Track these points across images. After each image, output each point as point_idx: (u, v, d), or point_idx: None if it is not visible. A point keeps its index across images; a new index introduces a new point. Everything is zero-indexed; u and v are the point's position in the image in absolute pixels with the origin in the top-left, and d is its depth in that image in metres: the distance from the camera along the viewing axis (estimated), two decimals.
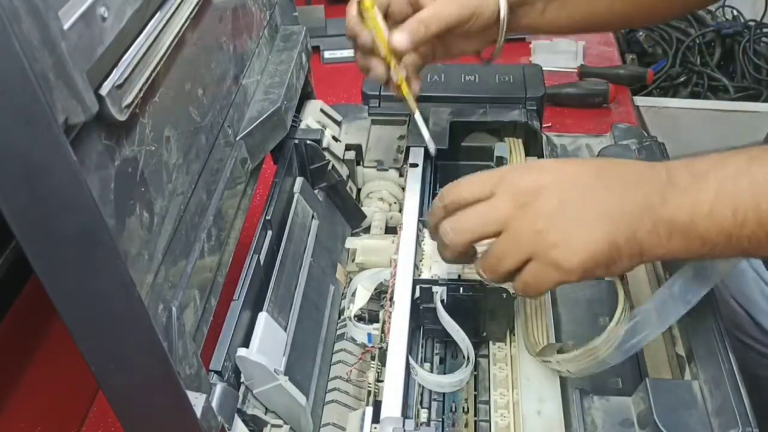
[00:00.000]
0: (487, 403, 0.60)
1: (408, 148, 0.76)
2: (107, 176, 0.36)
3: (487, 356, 0.64)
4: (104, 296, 0.34)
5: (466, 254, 0.56)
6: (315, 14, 1.31)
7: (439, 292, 0.62)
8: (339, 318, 0.70)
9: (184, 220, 0.47)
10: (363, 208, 0.80)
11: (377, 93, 0.82)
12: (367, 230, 0.80)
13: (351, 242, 0.77)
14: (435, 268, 0.66)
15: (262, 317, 0.56)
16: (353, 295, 0.70)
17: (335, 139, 0.78)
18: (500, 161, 0.75)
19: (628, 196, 0.49)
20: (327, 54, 1.30)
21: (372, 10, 0.65)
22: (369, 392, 0.58)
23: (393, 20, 0.66)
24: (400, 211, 0.78)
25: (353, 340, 0.67)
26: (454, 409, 0.61)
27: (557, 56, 1.28)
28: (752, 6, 1.70)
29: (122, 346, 0.37)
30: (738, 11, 1.72)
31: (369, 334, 0.66)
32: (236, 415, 0.50)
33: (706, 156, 0.48)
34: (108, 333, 0.36)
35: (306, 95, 0.79)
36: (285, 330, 0.60)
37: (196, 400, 0.43)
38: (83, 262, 0.32)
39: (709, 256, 0.48)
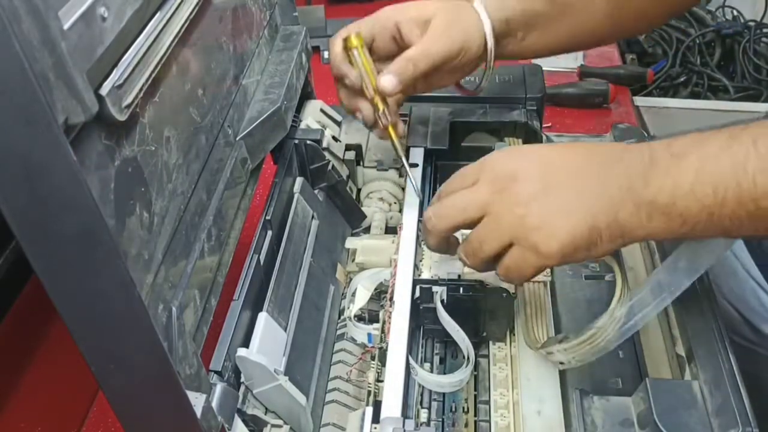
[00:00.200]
0: (487, 403, 0.60)
1: (408, 148, 0.76)
2: (107, 176, 0.36)
3: (487, 356, 0.64)
4: (104, 296, 0.34)
5: (448, 241, 0.56)
6: (315, 14, 1.31)
7: (439, 292, 0.62)
8: (339, 318, 0.70)
9: (184, 220, 0.47)
10: (363, 208, 0.80)
11: None
12: (367, 230, 0.80)
13: (351, 242, 0.77)
14: (435, 268, 0.66)
15: (262, 317, 0.56)
16: (353, 295, 0.70)
17: (335, 139, 0.78)
18: None
19: (609, 179, 0.49)
20: (327, 54, 1.30)
21: (361, 49, 0.66)
22: (369, 392, 0.58)
23: (377, 56, 0.67)
24: (400, 211, 0.78)
25: (353, 340, 0.67)
26: (454, 409, 0.61)
27: (557, 56, 1.28)
28: (752, 6, 1.70)
29: (122, 346, 0.37)
30: (738, 11, 1.72)
31: (369, 334, 0.66)
32: (236, 415, 0.50)
33: (687, 135, 0.48)
34: (108, 333, 0.36)
35: (306, 95, 0.79)
36: (285, 330, 0.60)
37: (196, 400, 0.43)
38: (83, 262, 0.32)
39: (690, 236, 0.48)
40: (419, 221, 0.68)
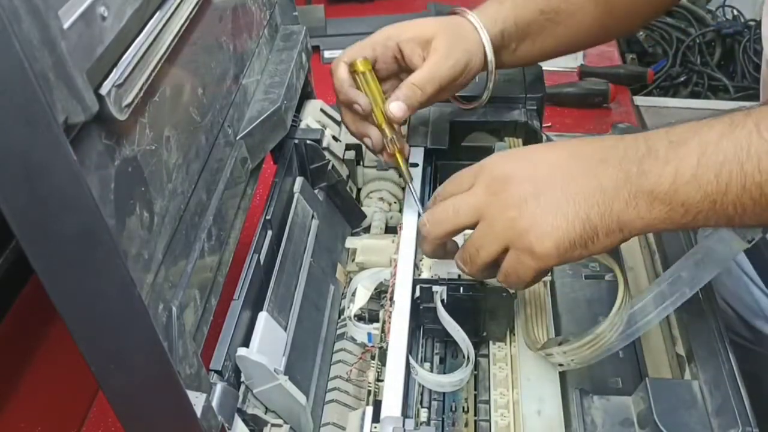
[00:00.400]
0: (487, 402, 0.60)
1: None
2: (107, 176, 0.36)
3: (487, 356, 0.64)
4: (104, 296, 0.34)
5: (444, 246, 0.56)
6: (315, 14, 1.31)
7: (439, 292, 0.62)
8: (339, 318, 0.70)
9: (184, 220, 0.47)
10: (363, 208, 0.80)
11: None
12: (367, 230, 0.80)
13: (351, 242, 0.77)
14: (435, 267, 0.66)
15: (262, 317, 0.56)
16: (353, 294, 0.70)
17: (335, 138, 0.78)
18: None
19: (603, 174, 0.48)
20: (327, 54, 1.30)
21: (369, 75, 0.65)
22: (369, 392, 0.58)
23: (379, 77, 0.67)
24: (400, 211, 0.78)
25: (353, 340, 0.67)
26: (454, 409, 0.61)
27: (558, 56, 1.28)
28: (752, 6, 1.70)
29: (122, 346, 0.37)
30: (738, 11, 1.72)
31: (369, 334, 0.66)
32: (236, 415, 0.50)
33: (685, 124, 0.47)
34: (108, 333, 0.36)
35: (306, 95, 0.79)
36: (285, 330, 0.60)
37: (197, 400, 0.43)
38: (83, 262, 0.32)
39: (692, 226, 0.47)
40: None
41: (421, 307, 0.63)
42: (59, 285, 0.33)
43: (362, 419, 0.55)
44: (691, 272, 0.54)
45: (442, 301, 0.62)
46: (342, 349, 0.66)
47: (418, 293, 0.62)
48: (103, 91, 0.34)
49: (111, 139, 0.37)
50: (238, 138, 0.59)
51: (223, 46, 0.57)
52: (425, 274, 0.65)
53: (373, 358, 0.62)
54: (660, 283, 0.55)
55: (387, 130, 0.65)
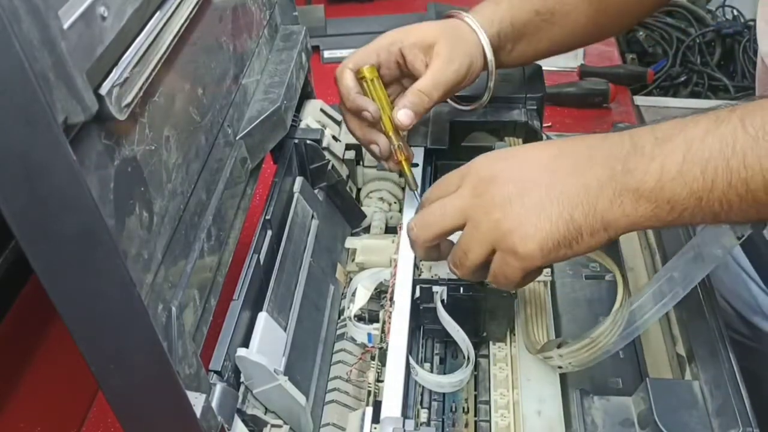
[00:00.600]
0: (488, 403, 0.60)
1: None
2: (107, 176, 0.36)
3: (487, 356, 0.64)
4: (104, 296, 0.34)
5: (437, 248, 0.56)
6: (315, 14, 1.31)
7: (439, 292, 0.62)
8: (339, 318, 0.70)
9: (183, 220, 0.47)
10: (363, 208, 0.80)
11: None
12: (367, 230, 0.80)
13: (351, 242, 0.77)
14: (435, 268, 0.66)
15: (262, 317, 0.56)
16: (353, 295, 0.70)
17: (335, 138, 0.78)
18: None
19: (588, 172, 0.48)
20: (327, 54, 1.30)
21: (377, 82, 0.66)
22: (369, 392, 0.58)
23: (383, 83, 0.67)
24: (400, 211, 0.78)
25: (353, 340, 0.67)
26: (454, 409, 0.61)
27: (557, 56, 1.28)
28: (752, 6, 1.70)
29: (122, 346, 0.37)
30: (738, 11, 1.72)
31: (369, 334, 0.66)
32: (236, 415, 0.50)
33: (670, 121, 0.47)
34: (108, 333, 0.36)
35: (306, 95, 0.79)
36: (285, 330, 0.60)
37: (196, 400, 0.43)
38: (83, 262, 0.32)
39: (678, 223, 0.47)
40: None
41: (421, 308, 0.62)
42: (59, 285, 0.33)
43: (362, 420, 0.55)
44: (683, 272, 0.54)
45: (442, 301, 0.62)
46: (342, 349, 0.66)
47: (418, 293, 0.62)
48: (103, 91, 0.34)
49: (111, 139, 0.37)
50: (237, 138, 0.59)
51: (223, 46, 0.57)
52: (425, 274, 0.65)
53: (373, 358, 0.62)
54: (653, 284, 0.55)
55: (394, 138, 0.66)
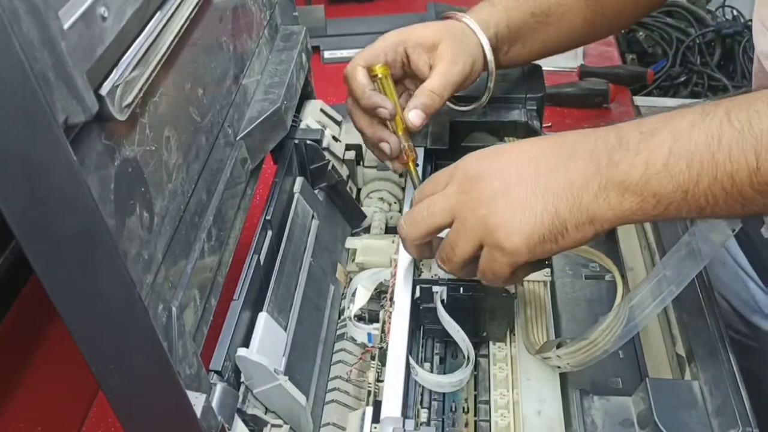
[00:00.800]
0: (487, 403, 0.60)
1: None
2: (107, 176, 0.36)
3: (487, 356, 0.64)
4: (104, 296, 0.34)
5: (425, 248, 0.56)
6: (315, 14, 1.31)
7: (439, 292, 0.62)
8: (339, 318, 0.70)
9: (184, 220, 0.47)
10: (363, 208, 0.80)
11: None
12: (367, 230, 0.80)
13: (351, 242, 0.77)
14: (435, 268, 0.66)
15: (262, 317, 0.56)
16: (353, 295, 0.70)
17: (335, 139, 0.78)
18: None
19: (573, 167, 0.48)
20: (327, 54, 1.30)
21: (388, 81, 0.66)
22: (369, 392, 0.58)
23: None
24: (400, 211, 0.78)
25: (353, 340, 0.67)
26: (454, 409, 0.61)
27: (557, 56, 1.28)
28: (752, 6, 1.70)
29: (122, 346, 0.37)
30: (738, 11, 1.72)
31: (369, 334, 0.66)
32: (236, 415, 0.50)
33: (656, 115, 0.47)
34: (108, 333, 0.36)
35: (306, 95, 0.79)
36: (285, 330, 0.60)
37: (196, 400, 0.43)
38: (83, 262, 0.32)
39: (664, 217, 0.47)
40: None
41: (421, 307, 0.63)
42: (59, 285, 0.33)
43: (362, 419, 0.55)
44: (676, 268, 0.54)
45: (442, 301, 0.62)
46: (342, 349, 0.66)
47: (418, 293, 0.62)
48: (103, 91, 0.34)
49: (111, 139, 0.37)
50: (238, 138, 0.59)
51: (223, 46, 0.57)
52: (425, 274, 0.65)
53: (373, 358, 0.62)
54: (649, 281, 0.55)
55: (403, 138, 0.66)
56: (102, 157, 0.36)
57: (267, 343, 0.56)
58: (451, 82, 0.65)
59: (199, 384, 0.45)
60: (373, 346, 0.65)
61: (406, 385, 0.55)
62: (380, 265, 0.73)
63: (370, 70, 0.66)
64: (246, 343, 0.54)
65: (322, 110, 0.80)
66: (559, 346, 0.59)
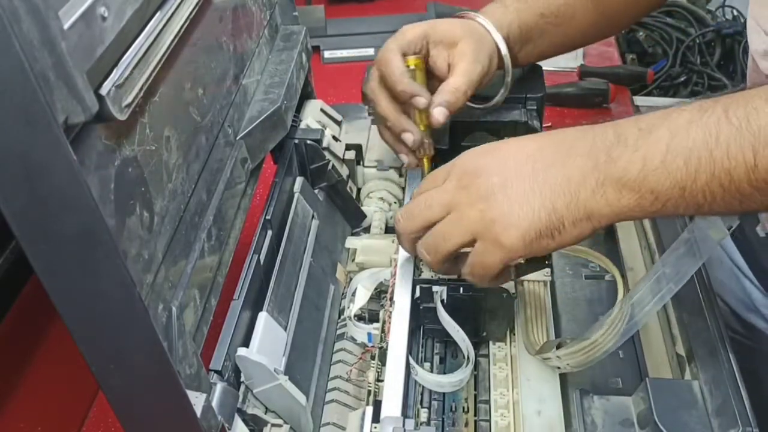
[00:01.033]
0: (487, 402, 0.60)
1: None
2: (107, 176, 0.36)
3: (487, 356, 0.64)
4: (104, 296, 0.34)
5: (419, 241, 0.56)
6: (315, 14, 1.31)
7: (439, 292, 0.62)
8: (339, 318, 0.70)
9: (184, 220, 0.47)
10: (363, 208, 0.80)
11: None
12: (367, 230, 0.80)
13: (351, 242, 0.77)
14: None
15: (262, 317, 0.56)
16: (353, 294, 0.70)
17: (335, 138, 0.78)
18: None
19: (571, 163, 0.48)
20: (327, 54, 1.30)
21: (423, 72, 0.65)
22: (369, 392, 0.58)
23: None
24: None
25: (353, 340, 0.67)
26: (454, 409, 0.61)
27: (557, 56, 1.28)
28: None
29: (122, 346, 0.37)
30: (738, 11, 1.72)
31: (369, 334, 0.66)
32: (236, 415, 0.50)
33: (656, 112, 0.47)
34: (108, 333, 0.36)
35: (306, 95, 0.79)
36: (285, 330, 0.60)
37: (196, 400, 0.43)
38: (83, 262, 0.32)
39: (662, 214, 0.47)
40: None
41: (421, 307, 0.63)
42: (59, 285, 0.33)
43: (362, 419, 0.56)
44: (675, 266, 0.54)
45: (442, 301, 0.62)
46: (342, 349, 0.66)
47: (418, 293, 0.62)
48: (103, 91, 0.34)
49: (111, 139, 0.37)
50: (238, 138, 0.59)
51: (223, 46, 0.57)
52: (425, 275, 0.65)
53: (373, 358, 0.62)
54: (647, 280, 0.55)
55: (426, 135, 0.66)
56: (102, 157, 0.36)
57: (267, 343, 0.56)
58: (473, 80, 0.65)
59: (199, 384, 0.45)
60: (373, 346, 0.65)
61: (406, 384, 0.55)
62: (380, 264, 0.73)
63: (404, 60, 0.65)
64: (246, 343, 0.54)
65: (322, 110, 0.80)
66: (559, 347, 0.59)
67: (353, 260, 0.75)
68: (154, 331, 0.37)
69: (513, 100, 0.78)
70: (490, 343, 0.65)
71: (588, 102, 1.17)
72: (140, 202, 0.40)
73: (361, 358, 0.66)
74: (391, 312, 0.60)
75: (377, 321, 0.66)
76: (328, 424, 0.60)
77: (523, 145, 0.52)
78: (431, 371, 0.64)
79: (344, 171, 0.79)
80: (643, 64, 1.65)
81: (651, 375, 0.61)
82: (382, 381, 0.55)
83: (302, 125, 0.75)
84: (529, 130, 0.77)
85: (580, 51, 1.30)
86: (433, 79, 0.68)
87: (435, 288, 0.62)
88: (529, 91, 0.78)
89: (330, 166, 0.74)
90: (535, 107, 0.78)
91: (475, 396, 0.62)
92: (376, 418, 0.54)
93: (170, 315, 0.42)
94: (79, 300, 0.34)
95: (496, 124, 0.77)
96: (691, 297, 0.63)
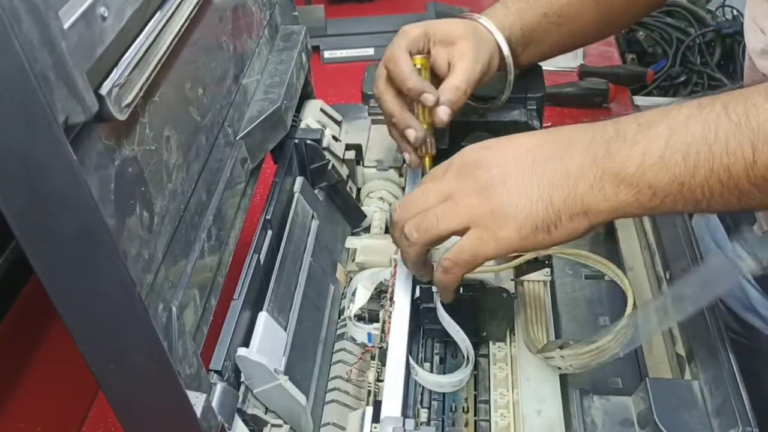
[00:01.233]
0: (487, 402, 0.60)
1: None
2: (107, 176, 0.36)
3: (487, 356, 0.64)
4: (104, 296, 0.34)
5: None
6: (315, 14, 1.31)
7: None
8: (339, 318, 0.70)
9: (184, 220, 0.47)
10: (363, 208, 0.80)
11: None
12: (367, 230, 0.80)
13: (351, 242, 0.77)
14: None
15: (262, 317, 0.56)
16: (353, 294, 0.70)
17: (335, 138, 0.78)
18: None
19: (570, 157, 0.48)
20: (327, 54, 1.30)
21: (428, 71, 0.66)
22: (369, 392, 0.58)
23: None
24: None
25: (353, 340, 0.67)
26: (454, 409, 0.61)
27: (557, 56, 1.28)
28: None
29: (122, 346, 0.37)
30: (738, 11, 1.72)
31: (369, 334, 0.66)
32: (236, 415, 0.50)
33: (656, 108, 0.47)
34: (108, 333, 0.36)
35: (306, 95, 0.79)
36: (285, 330, 0.60)
37: (196, 400, 0.43)
38: (83, 262, 0.32)
39: (660, 210, 0.47)
40: None
41: (421, 307, 0.62)
42: (59, 285, 0.33)
43: (362, 419, 0.55)
44: (695, 291, 0.53)
45: (442, 301, 0.62)
46: (342, 349, 0.66)
47: (418, 293, 0.62)
48: (103, 91, 0.34)
49: (111, 139, 0.37)
50: (238, 138, 0.59)
51: (223, 46, 0.57)
52: None
53: (373, 358, 0.62)
54: (665, 297, 0.55)
55: (429, 134, 0.67)
56: (102, 157, 0.36)
57: (267, 343, 0.56)
58: (473, 79, 0.66)
59: (199, 384, 0.45)
60: (373, 346, 0.65)
61: (406, 384, 0.55)
62: (380, 264, 0.73)
63: (411, 59, 0.66)
64: (246, 343, 0.54)
65: (322, 110, 0.80)
66: (562, 347, 0.58)
67: (353, 260, 0.75)
68: (154, 331, 0.37)
69: (513, 100, 0.78)
70: (490, 343, 0.65)
71: (588, 102, 1.17)
72: (140, 202, 0.40)
73: (361, 358, 0.66)
74: (391, 312, 0.60)
75: (377, 321, 0.66)
76: (328, 424, 0.60)
77: (523, 140, 0.52)
78: (431, 371, 0.64)
79: (344, 171, 0.79)
80: (643, 64, 1.65)
81: (651, 375, 0.61)
82: (382, 381, 0.55)
83: (302, 125, 0.75)
84: (528, 129, 0.77)
85: (580, 51, 1.29)
86: (433, 78, 0.68)
87: (435, 288, 0.62)
88: (529, 91, 0.78)
89: (330, 166, 0.74)
90: (535, 107, 0.78)
91: (475, 396, 0.62)
92: (376, 418, 0.54)
93: (170, 315, 0.42)
94: (79, 300, 0.34)
95: (496, 124, 0.77)
96: None
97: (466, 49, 0.66)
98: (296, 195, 0.69)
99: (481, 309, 0.63)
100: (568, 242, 0.50)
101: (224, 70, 0.57)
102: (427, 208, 0.53)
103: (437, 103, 0.64)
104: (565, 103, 1.17)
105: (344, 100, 1.13)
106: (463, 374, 0.60)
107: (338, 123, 0.82)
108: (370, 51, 1.27)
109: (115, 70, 0.35)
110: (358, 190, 0.83)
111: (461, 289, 0.62)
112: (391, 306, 0.60)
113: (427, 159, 0.68)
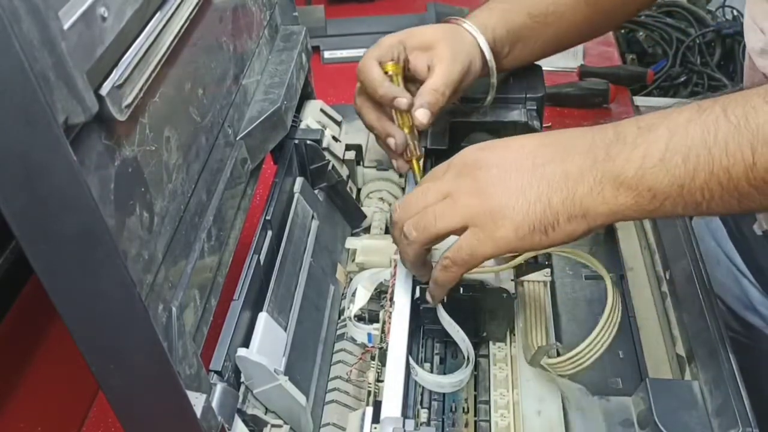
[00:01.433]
0: (487, 403, 0.60)
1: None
2: (107, 176, 0.36)
3: (487, 356, 0.64)
4: (104, 296, 0.34)
5: None
6: (315, 14, 1.31)
7: None
8: (339, 318, 0.70)
9: (184, 220, 0.47)
10: (363, 208, 0.80)
11: None
12: (367, 230, 0.80)
13: (351, 242, 0.77)
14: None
15: (262, 317, 0.56)
16: (353, 295, 0.70)
17: (335, 139, 0.78)
18: None
19: (570, 160, 0.48)
20: (327, 54, 1.30)
21: (400, 78, 0.66)
22: (369, 392, 0.58)
23: None
24: None
25: (353, 340, 0.67)
26: (454, 409, 0.61)
27: (557, 56, 1.28)
28: None
29: (122, 346, 0.37)
30: (738, 11, 1.72)
31: (369, 334, 0.66)
32: (236, 415, 0.50)
33: (656, 112, 0.48)
34: (108, 333, 0.36)
35: (306, 95, 0.79)
36: (285, 330, 0.60)
37: (196, 400, 0.43)
38: (83, 262, 0.32)
39: (659, 213, 0.47)
40: None
41: (421, 308, 0.63)
42: (59, 285, 0.33)
43: (362, 420, 0.55)
44: None
45: (442, 301, 0.62)
46: (342, 349, 0.66)
47: (418, 293, 0.62)
48: (103, 91, 0.34)
49: (111, 139, 0.37)
50: (238, 138, 0.59)
51: (223, 46, 0.57)
52: None
53: (373, 358, 0.62)
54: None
55: (410, 137, 0.67)
56: (102, 157, 0.36)
57: (267, 343, 0.56)
58: (452, 80, 0.66)
59: (199, 384, 0.45)
60: (373, 346, 0.65)
61: (406, 385, 0.55)
62: (380, 265, 0.73)
63: (382, 67, 0.66)
64: (246, 343, 0.54)
65: (322, 110, 0.80)
66: (549, 356, 0.58)
67: (353, 260, 0.75)
68: (154, 332, 0.37)
69: (513, 100, 0.78)
70: (490, 343, 0.65)
71: (588, 102, 1.17)
72: (140, 202, 0.40)
73: (361, 359, 0.66)
74: (391, 312, 0.60)
75: (377, 321, 0.66)
76: (328, 424, 0.60)
77: (523, 142, 0.52)
78: (431, 372, 0.64)
79: (344, 171, 0.79)
80: (643, 65, 1.65)
81: (651, 375, 0.61)
82: (382, 381, 0.55)
83: (302, 125, 0.75)
84: (529, 130, 0.77)
85: (579, 51, 1.30)
86: (415, 83, 0.68)
87: (428, 287, 0.62)
88: (528, 91, 0.78)
89: (330, 167, 0.74)
90: (535, 107, 0.78)
91: (475, 396, 0.62)
92: (376, 418, 0.54)
93: (170, 315, 0.42)
94: (79, 300, 0.34)
95: (496, 125, 0.77)
96: (691, 297, 0.63)
97: (444, 51, 0.66)
98: (296, 195, 0.69)
99: (481, 309, 0.63)
100: (566, 244, 0.50)
101: (224, 71, 0.57)
102: (426, 207, 0.53)
103: (413, 107, 0.64)
104: (565, 103, 1.17)
105: (344, 100, 1.13)
106: (463, 374, 0.60)
107: (338, 123, 0.82)
108: None
109: (115, 71, 0.35)
110: (358, 190, 0.83)
111: (461, 289, 0.62)
112: (391, 306, 0.60)
113: (414, 162, 0.69)
